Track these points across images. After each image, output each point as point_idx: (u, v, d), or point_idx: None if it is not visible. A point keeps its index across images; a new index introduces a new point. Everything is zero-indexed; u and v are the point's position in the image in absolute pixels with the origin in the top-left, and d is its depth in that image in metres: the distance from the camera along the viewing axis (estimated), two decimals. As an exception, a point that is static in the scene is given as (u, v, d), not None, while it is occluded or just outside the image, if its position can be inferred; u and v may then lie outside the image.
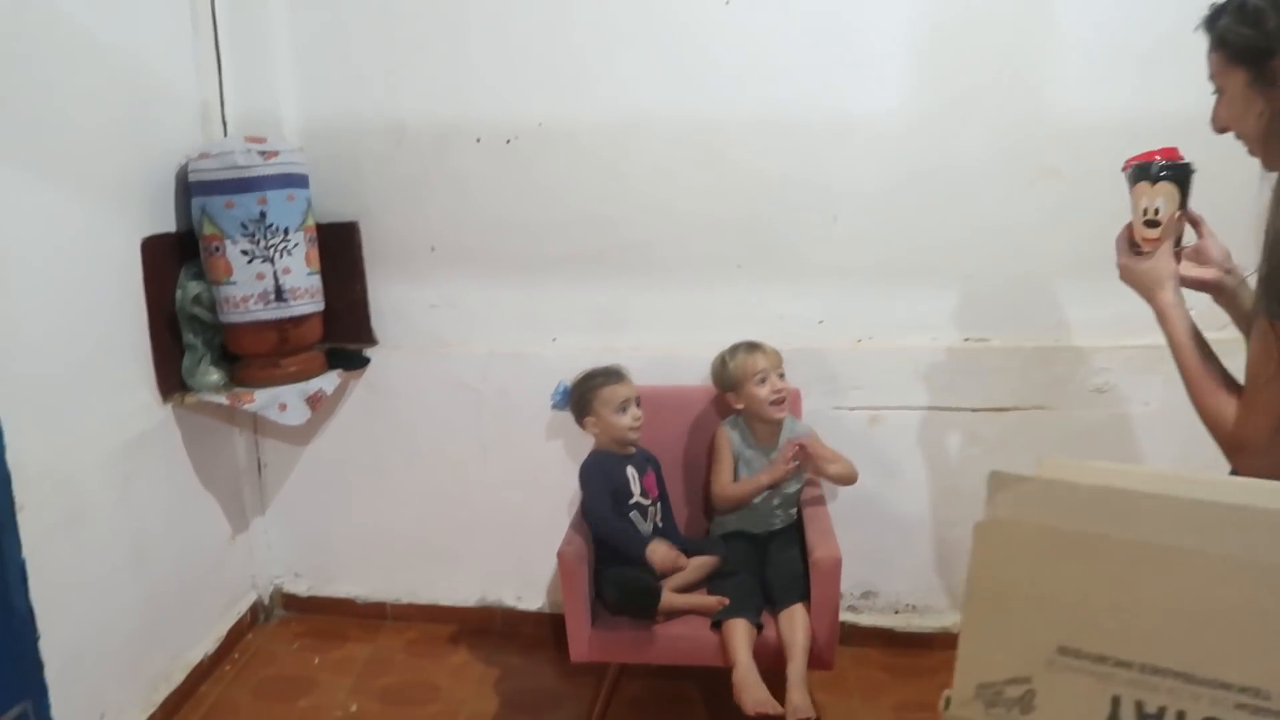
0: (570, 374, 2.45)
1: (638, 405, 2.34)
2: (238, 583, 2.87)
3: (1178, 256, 1.48)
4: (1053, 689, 0.73)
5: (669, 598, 2.16)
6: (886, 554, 2.75)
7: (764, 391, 2.35)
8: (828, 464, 2.34)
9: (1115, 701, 0.72)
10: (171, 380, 2.49)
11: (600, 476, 2.29)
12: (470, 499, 2.86)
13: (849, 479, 2.39)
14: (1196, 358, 1.34)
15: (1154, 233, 1.47)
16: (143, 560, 2.38)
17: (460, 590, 2.94)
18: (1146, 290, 1.46)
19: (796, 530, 2.41)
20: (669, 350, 2.68)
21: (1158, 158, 1.48)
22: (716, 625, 2.14)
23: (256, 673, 2.70)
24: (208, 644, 2.67)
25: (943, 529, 2.73)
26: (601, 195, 2.63)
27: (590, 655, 2.18)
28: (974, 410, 2.63)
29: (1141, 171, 1.48)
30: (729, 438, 2.43)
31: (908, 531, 2.74)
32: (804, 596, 2.16)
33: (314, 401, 2.58)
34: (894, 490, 2.70)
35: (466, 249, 2.71)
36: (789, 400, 2.39)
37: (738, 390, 2.40)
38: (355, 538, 2.94)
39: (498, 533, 2.87)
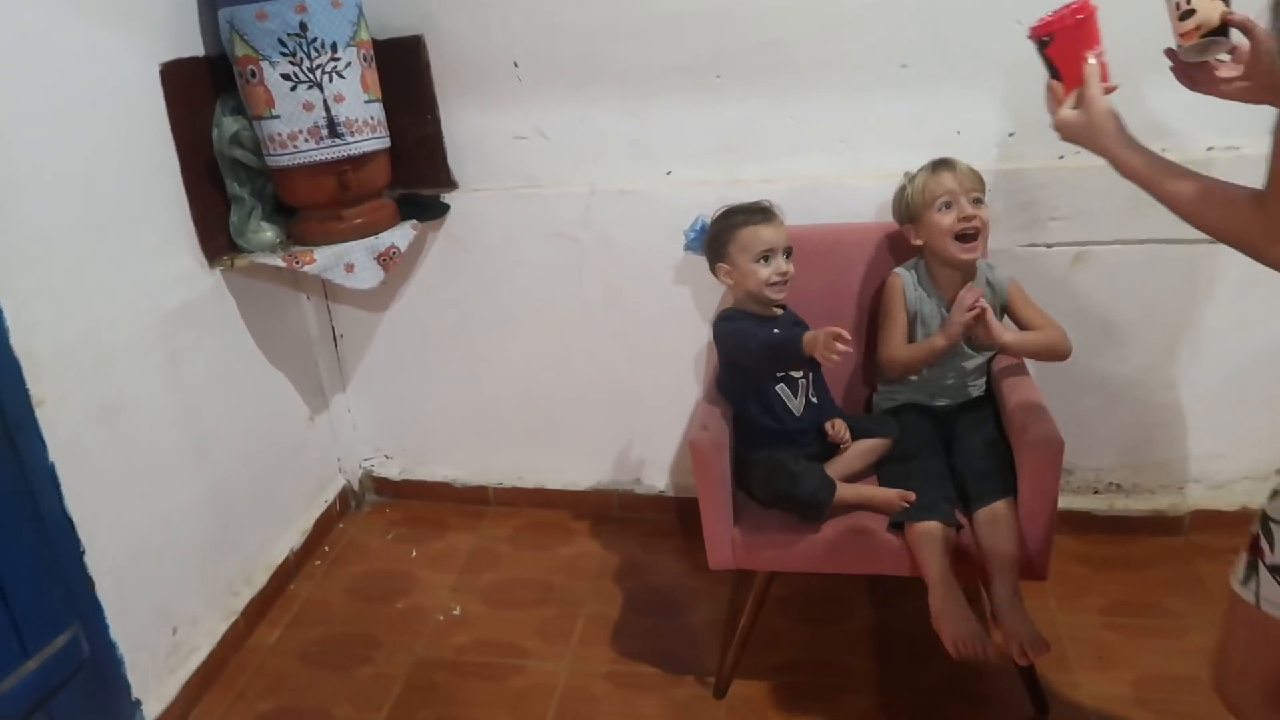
0: (694, 213, 1.95)
1: (787, 257, 1.82)
2: (322, 468, 2.55)
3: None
4: None
5: (839, 491, 1.72)
6: (1086, 423, 2.23)
7: (947, 220, 1.81)
8: (1019, 339, 1.84)
9: None
10: (218, 240, 2.08)
11: (743, 327, 1.83)
12: (576, 367, 2.44)
13: (1053, 350, 1.86)
14: (1186, 176, 1.14)
15: (1189, 24, 1.23)
16: (204, 451, 2.05)
17: (570, 472, 2.56)
18: (1091, 141, 1.23)
19: (989, 403, 1.91)
20: (813, 180, 2.14)
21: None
22: (897, 526, 1.69)
23: (349, 569, 2.40)
24: (292, 538, 2.37)
25: (1158, 393, 2.19)
26: (723, -18, 2.05)
27: (735, 563, 1.77)
28: (1214, 243, 2.02)
29: None
30: (902, 287, 1.92)
31: (1114, 396, 2.21)
32: (1008, 490, 1.68)
33: (386, 259, 2.15)
34: (1099, 346, 2.15)
35: (557, 63, 2.18)
36: (983, 238, 1.84)
37: (916, 221, 1.87)
38: (449, 414, 2.57)
39: (610, 405, 2.46)
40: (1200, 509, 2.25)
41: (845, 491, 1.73)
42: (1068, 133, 1.27)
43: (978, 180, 1.85)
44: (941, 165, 1.85)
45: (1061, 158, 2.04)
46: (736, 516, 1.77)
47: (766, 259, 1.80)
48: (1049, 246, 2.09)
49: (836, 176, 2.12)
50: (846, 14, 2.02)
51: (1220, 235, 1.12)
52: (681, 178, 2.22)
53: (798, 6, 2.02)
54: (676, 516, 2.48)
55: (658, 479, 2.51)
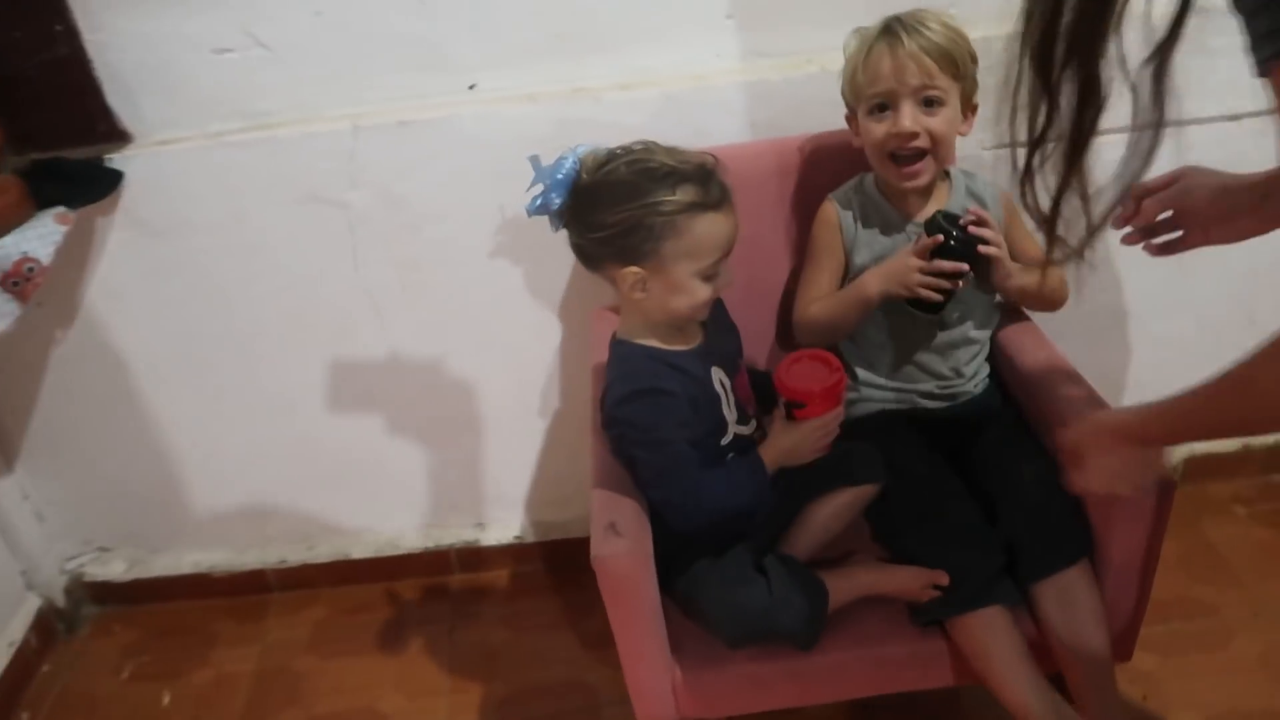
0: (518, 144, 1.17)
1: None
2: (-3, 591, 1.68)
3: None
4: None
5: (832, 593, 1.09)
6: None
7: (880, 130, 1.18)
8: (1013, 272, 1.24)
9: None
10: None
11: (668, 409, 1.09)
12: (368, 386, 1.66)
13: (1056, 300, 1.30)
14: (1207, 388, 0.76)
15: None
16: None
17: (384, 528, 1.81)
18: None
19: (1003, 401, 1.32)
20: (695, 80, 1.44)
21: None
22: (932, 621, 1.10)
23: (62, 746, 1.58)
24: (-45, 724, 1.52)
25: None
26: None
27: (680, 714, 1.13)
28: None
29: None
30: (835, 220, 1.29)
31: (1174, 352, 1.68)
32: (1083, 548, 1.11)
33: (20, 281, 1.28)
34: (1146, 294, 1.62)
35: (264, -79, 1.33)
36: (944, 142, 1.20)
37: (853, 114, 1.24)
38: (189, 475, 1.74)
39: (427, 431, 1.71)
40: (1192, 453, 1.81)
41: (840, 590, 1.10)
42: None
43: (947, 61, 1.17)
44: (895, 31, 1.17)
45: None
46: (673, 642, 1.12)
47: (715, 271, 1.07)
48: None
49: (729, 72, 1.43)
50: None
51: None
52: (493, 92, 1.45)
53: None
54: (544, 567, 1.80)
55: (510, 520, 1.80)
